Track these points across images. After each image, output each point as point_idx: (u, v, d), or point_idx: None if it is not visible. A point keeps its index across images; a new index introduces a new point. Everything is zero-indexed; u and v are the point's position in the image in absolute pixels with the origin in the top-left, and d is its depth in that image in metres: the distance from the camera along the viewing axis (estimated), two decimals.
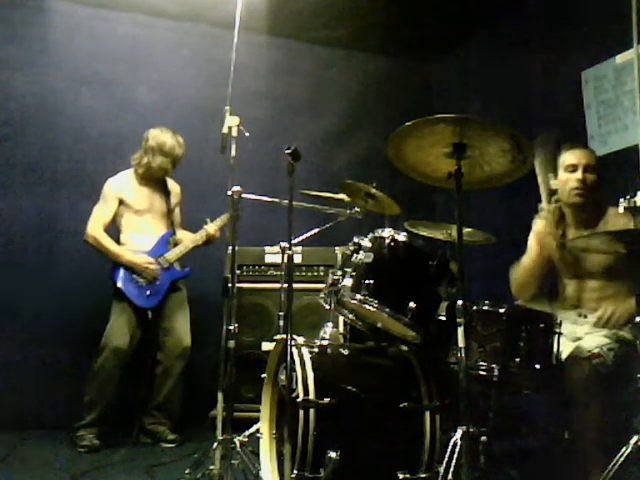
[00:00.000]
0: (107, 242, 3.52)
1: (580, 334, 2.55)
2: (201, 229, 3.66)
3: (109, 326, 3.45)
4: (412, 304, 2.26)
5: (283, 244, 3.00)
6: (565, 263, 2.75)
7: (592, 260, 2.63)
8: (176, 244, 3.71)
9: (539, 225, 2.85)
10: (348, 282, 2.37)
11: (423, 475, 2.22)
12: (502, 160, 2.20)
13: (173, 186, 3.80)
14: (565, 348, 2.43)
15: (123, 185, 3.63)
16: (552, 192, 2.80)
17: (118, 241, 3.59)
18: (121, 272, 3.50)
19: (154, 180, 3.69)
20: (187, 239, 3.70)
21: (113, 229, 3.62)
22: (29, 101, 4.06)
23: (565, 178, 2.69)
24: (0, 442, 3.40)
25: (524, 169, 2.23)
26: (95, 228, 3.52)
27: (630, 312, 2.37)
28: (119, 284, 3.48)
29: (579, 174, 2.65)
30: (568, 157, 2.71)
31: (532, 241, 2.86)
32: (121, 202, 3.61)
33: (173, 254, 3.63)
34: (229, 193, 2.69)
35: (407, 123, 2.07)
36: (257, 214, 3.83)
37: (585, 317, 2.61)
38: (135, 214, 3.62)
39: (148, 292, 3.52)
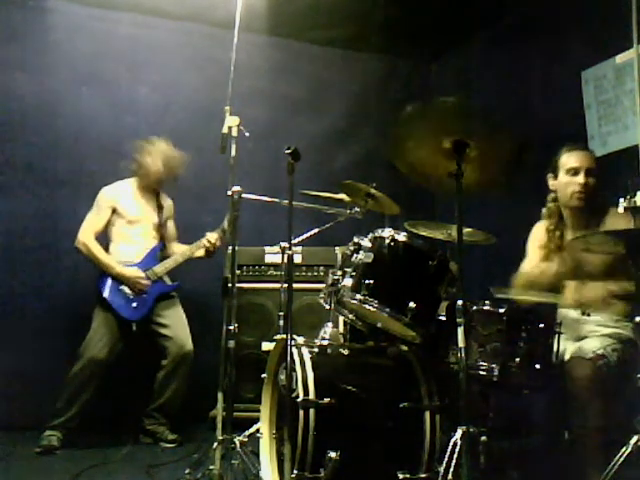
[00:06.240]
0: (98, 251, 3.51)
1: (583, 333, 2.54)
2: (202, 237, 3.63)
3: (89, 335, 3.43)
4: (412, 304, 2.26)
5: (283, 244, 3.00)
6: (565, 264, 2.74)
7: (592, 261, 2.62)
8: (164, 257, 3.69)
9: (539, 228, 2.83)
10: (348, 282, 2.37)
11: (423, 475, 2.22)
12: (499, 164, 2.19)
13: (165, 200, 3.81)
14: (568, 348, 2.43)
15: (118, 194, 3.64)
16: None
17: (107, 250, 3.59)
18: (109, 282, 3.49)
19: (150, 192, 3.71)
20: (178, 253, 3.69)
21: (103, 237, 3.61)
22: (29, 101, 4.06)
23: (566, 181, 2.65)
24: (0, 442, 3.40)
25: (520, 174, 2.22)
26: (86, 235, 3.53)
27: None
28: (105, 294, 3.46)
29: (581, 178, 2.61)
30: (570, 159, 2.66)
31: (532, 245, 2.84)
32: (114, 211, 3.61)
33: (162, 267, 3.62)
34: (229, 193, 2.69)
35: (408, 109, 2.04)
36: (257, 214, 3.83)
37: (588, 315, 2.60)
38: (127, 224, 3.62)
39: (135, 304, 3.49)
